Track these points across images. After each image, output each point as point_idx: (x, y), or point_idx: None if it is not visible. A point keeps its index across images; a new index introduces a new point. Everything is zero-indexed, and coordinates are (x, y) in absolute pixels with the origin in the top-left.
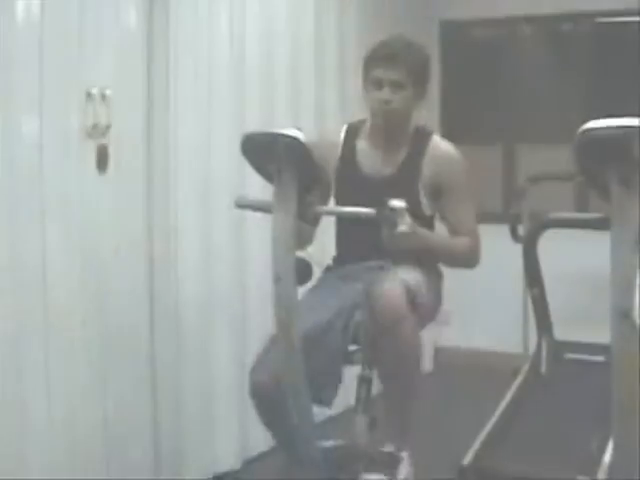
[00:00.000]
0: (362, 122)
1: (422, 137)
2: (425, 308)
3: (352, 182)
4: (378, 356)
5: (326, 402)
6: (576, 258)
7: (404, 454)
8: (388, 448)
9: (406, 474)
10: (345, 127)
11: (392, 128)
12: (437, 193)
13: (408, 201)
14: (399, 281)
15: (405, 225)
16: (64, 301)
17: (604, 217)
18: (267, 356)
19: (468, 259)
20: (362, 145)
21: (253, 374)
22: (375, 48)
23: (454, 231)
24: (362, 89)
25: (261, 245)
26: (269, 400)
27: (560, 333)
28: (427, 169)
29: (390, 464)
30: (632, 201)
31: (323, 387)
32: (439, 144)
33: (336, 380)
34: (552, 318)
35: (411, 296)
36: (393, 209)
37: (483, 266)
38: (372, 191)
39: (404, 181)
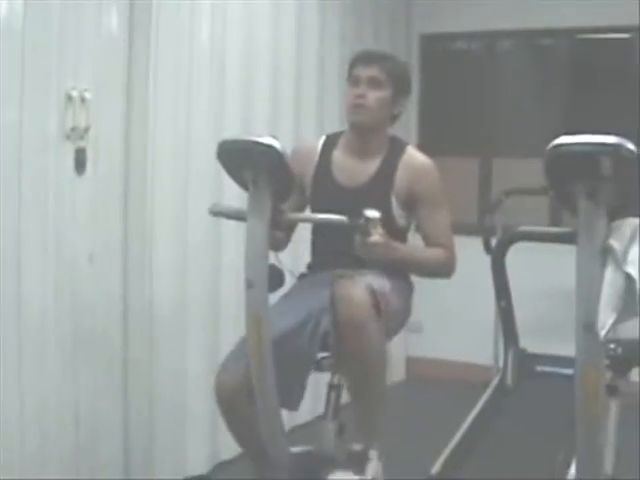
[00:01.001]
0: (340, 133)
1: (397, 148)
2: (391, 313)
3: (326, 191)
4: (343, 359)
5: (292, 407)
6: (550, 271)
7: (372, 453)
8: (357, 447)
9: (374, 473)
10: (324, 137)
11: (365, 129)
12: (412, 204)
13: (380, 211)
14: (363, 284)
15: (378, 235)
16: (38, 302)
17: (571, 231)
18: (236, 357)
19: (442, 270)
20: (338, 155)
21: (220, 374)
22: (358, 51)
23: (429, 242)
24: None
25: (236, 250)
26: (235, 401)
27: (533, 346)
28: (401, 180)
29: (359, 463)
30: (598, 216)
31: (289, 392)
32: (413, 155)
33: (302, 385)
34: (530, 330)
35: (375, 299)
36: (367, 218)
37: (456, 277)
38: (345, 201)
39: (376, 191)
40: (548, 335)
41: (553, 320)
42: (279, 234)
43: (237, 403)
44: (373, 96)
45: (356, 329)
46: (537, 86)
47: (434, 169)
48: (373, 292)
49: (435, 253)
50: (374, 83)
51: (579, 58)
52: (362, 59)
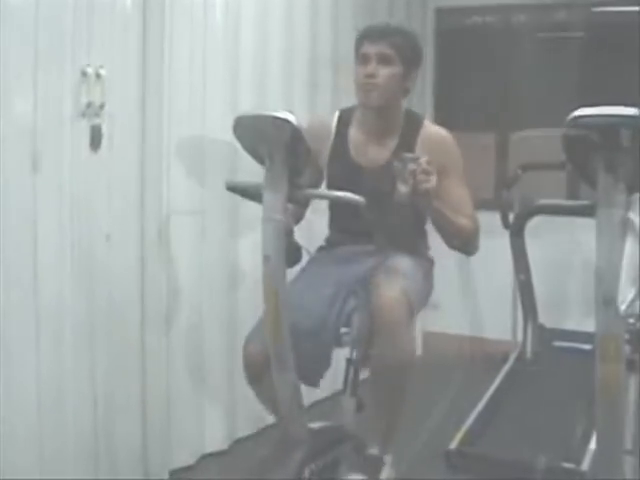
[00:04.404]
0: (354, 109)
1: (413, 123)
2: (418, 304)
3: (344, 171)
4: (372, 360)
5: (314, 383)
6: (568, 245)
7: (387, 457)
8: (372, 451)
9: (388, 477)
10: (337, 113)
11: (378, 107)
12: None
13: None
14: (398, 287)
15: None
16: (54, 283)
17: (591, 204)
18: (260, 330)
19: (470, 240)
20: (354, 133)
21: (247, 346)
22: (365, 27)
23: (455, 214)
24: (354, 72)
25: (254, 224)
26: (262, 373)
27: (549, 321)
28: (420, 150)
29: (373, 467)
30: (618, 188)
31: (313, 369)
32: (431, 129)
33: (326, 363)
34: (542, 306)
35: (411, 305)
36: (412, 158)
37: None
38: (364, 182)
39: None
40: (565, 309)
41: (570, 294)
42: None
43: (266, 372)
44: (384, 73)
45: (390, 336)
46: (553, 60)
47: (453, 142)
48: (407, 296)
49: (464, 221)
50: (384, 60)
51: (594, 31)
52: (369, 35)
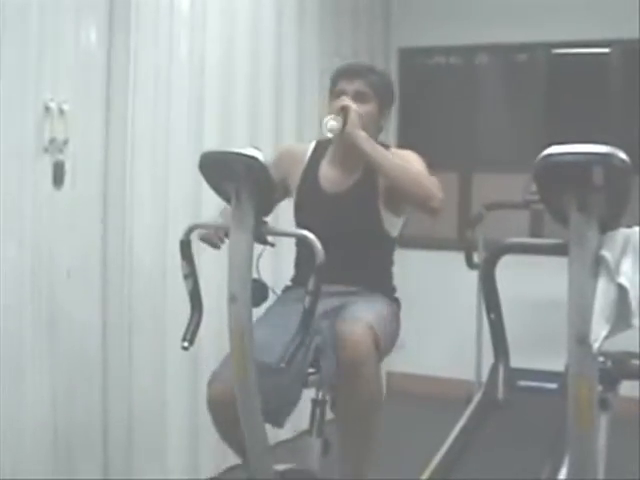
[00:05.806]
0: (330, 141)
1: None
2: (385, 343)
3: (311, 197)
4: (339, 400)
5: (279, 424)
6: (527, 286)
7: None
8: None
9: None
10: (314, 144)
11: (352, 144)
12: (397, 197)
13: (367, 216)
14: (364, 322)
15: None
16: (15, 319)
17: (562, 243)
18: (226, 368)
19: (423, 188)
20: (325, 165)
21: (211, 386)
22: (341, 65)
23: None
24: (327, 107)
25: (216, 263)
26: (227, 413)
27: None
28: (384, 179)
29: None
30: (590, 226)
31: (278, 409)
32: (394, 152)
33: (292, 404)
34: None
35: (376, 338)
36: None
37: (438, 291)
38: (329, 206)
39: (360, 195)
40: (528, 349)
41: (534, 334)
42: None
43: (230, 412)
44: (361, 109)
45: (356, 369)
46: (515, 101)
47: (415, 154)
48: (374, 331)
49: (415, 170)
50: (360, 97)
51: (555, 72)
52: (346, 73)
